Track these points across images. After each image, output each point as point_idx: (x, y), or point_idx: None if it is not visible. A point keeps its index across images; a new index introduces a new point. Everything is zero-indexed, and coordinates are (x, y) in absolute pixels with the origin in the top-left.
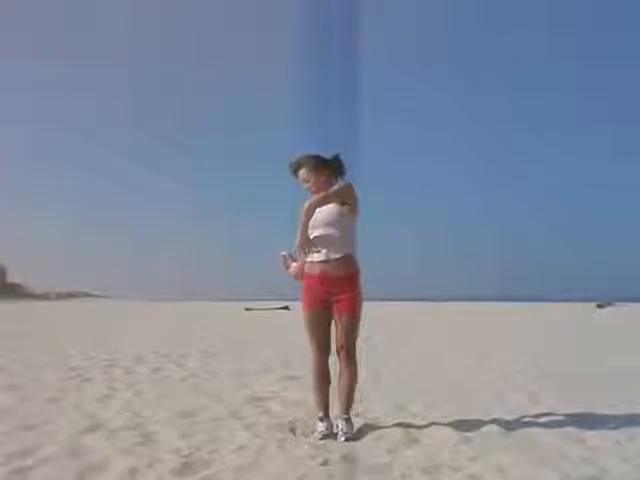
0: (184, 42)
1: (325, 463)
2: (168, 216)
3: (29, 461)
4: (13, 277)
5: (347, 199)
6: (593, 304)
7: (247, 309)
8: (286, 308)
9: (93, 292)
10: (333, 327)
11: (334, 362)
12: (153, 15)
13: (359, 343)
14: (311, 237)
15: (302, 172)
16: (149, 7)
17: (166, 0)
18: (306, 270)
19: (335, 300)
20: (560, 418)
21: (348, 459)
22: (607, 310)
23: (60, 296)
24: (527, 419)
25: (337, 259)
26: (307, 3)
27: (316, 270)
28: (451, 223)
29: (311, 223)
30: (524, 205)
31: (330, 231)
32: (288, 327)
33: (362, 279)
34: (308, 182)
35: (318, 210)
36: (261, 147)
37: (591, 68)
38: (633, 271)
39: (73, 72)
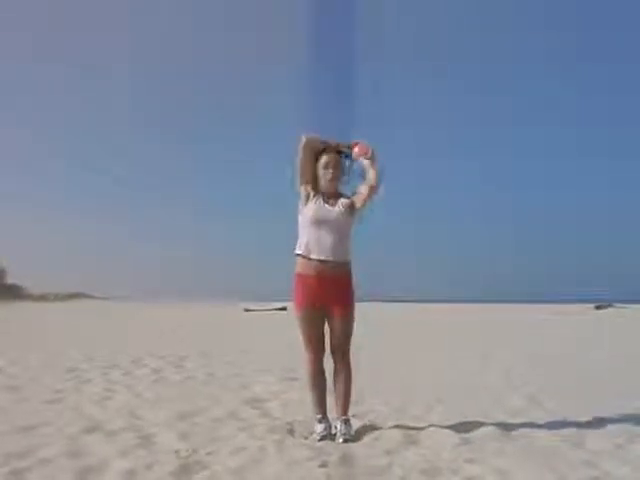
0: (182, 43)
1: (324, 465)
2: (169, 216)
3: (27, 462)
4: (12, 278)
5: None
6: (592, 305)
7: (246, 310)
8: (284, 309)
9: (92, 293)
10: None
11: (329, 363)
12: (154, 15)
13: (356, 344)
14: (313, 236)
15: (340, 160)
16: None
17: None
18: (301, 269)
19: (329, 301)
20: (560, 420)
21: (347, 461)
22: (606, 312)
23: (59, 297)
24: (527, 421)
25: (335, 262)
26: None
27: (312, 270)
28: (448, 223)
29: (317, 221)
30: (523, 206)
31: (334, 234)
32: (286, 328)
33: (355, 280)
34: (336, 171)
35: (328, 210)
36: (262, 147)
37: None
38: (633, 272)
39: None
